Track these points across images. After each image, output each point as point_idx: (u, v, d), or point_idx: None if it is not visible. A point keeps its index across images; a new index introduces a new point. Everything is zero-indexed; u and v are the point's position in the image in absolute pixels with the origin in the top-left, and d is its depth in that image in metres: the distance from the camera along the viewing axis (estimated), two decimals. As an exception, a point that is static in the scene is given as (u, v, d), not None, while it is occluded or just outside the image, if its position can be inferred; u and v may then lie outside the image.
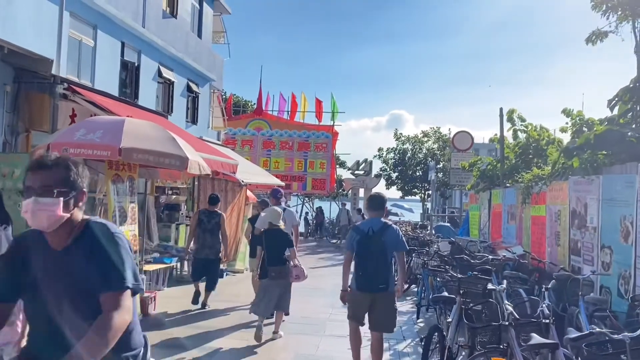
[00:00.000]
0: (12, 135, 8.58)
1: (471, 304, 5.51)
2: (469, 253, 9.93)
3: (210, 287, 8.98)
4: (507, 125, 13.29)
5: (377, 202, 5.73)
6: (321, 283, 11.93)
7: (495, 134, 14.00)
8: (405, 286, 11.47)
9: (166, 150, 6.92)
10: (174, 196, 15.24)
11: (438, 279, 8.25)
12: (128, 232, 7.42)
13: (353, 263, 5.65)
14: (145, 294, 8.21)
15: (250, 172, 14.96)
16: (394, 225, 5.65)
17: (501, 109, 13.65)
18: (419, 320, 8.80)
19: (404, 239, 5.67)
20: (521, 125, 13.14)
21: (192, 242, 9.23)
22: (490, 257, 8.50)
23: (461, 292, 5.49)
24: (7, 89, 8.61)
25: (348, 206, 27.29)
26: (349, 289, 5.65)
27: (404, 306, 10.06)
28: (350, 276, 5.71)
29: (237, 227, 12.36)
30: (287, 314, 7.54)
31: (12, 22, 8.94)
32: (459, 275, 5.90)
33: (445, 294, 5.10)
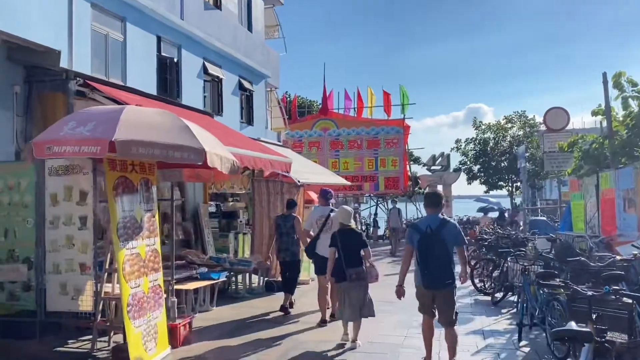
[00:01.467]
0: (25, 141, 7.48)
1: (609, 335, 3.54)
2: (580, 252, 7.74)
3: (288, 290, 8.87)
4: (613, 93, 10.79)
5: (433, 199, 5.89)
6: (392, 294, 10.03)
7: (599, 105, 11.47)
8: (499, 295, 9.42)
9: (176, 142, 5.44)
10: (230, 203, 14.02)
11: (545, 290, 6.21)
12: (143, 247, 6.01)
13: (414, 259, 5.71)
14: (180, 320, 6.80)
15: (311, 172, 13.40)
16: (452, 220, 5.91)
17: (604, 74, 11.16)
18: (521, 344, 6.75)
19: (462, 233, 5.79)
20: (632, 91, 10.57)
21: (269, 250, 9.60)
22: (617, 257, 6.29)
23: (594, 317, 3.54)
24: (16, 90, 7.55)
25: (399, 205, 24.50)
26: (417, 286, 5.75)
27: (499, 324, 8.00)
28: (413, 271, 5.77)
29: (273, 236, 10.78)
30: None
31: (11, 11, 7.88)
32: (589, 292, 3.89)
33: (573, 325, 3.16)
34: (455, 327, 5.69)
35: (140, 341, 5.71)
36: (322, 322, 7.82)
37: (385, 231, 24.57)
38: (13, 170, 6.86)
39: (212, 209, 13.36)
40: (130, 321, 5.56)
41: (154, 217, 6.36)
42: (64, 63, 7.80)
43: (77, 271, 6.51)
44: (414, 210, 28.21)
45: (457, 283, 5.73)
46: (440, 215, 5.77)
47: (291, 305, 8.94)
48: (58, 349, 6.54)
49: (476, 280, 10.75)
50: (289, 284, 8.91)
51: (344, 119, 26.28)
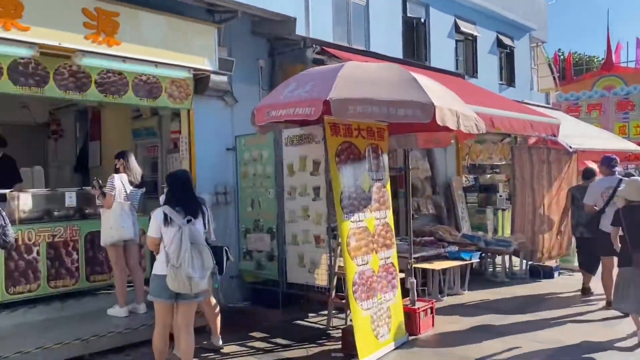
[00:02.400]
0: (270, 114, 7.61)
1: None
2: None
3: (589, 269, 7.72)
4: None
5: None
6: None
7: None
8: None
9: (399, 97, 4.57)
10: (488, 176, 12.60)
11: None
12: (372, 220, 5.36)
13: None
14: (420, 304, 6.02)
15: (587, 136, 11.05)
16: None
17: None
18: None
19: None
20: None
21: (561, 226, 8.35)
22: None
23: None
24: (260, 64, 7.71)
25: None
26: None
27: None
28: None
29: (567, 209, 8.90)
30: None
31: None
32: None
33: None
34: None
35: (370, 326, 5.10)
36: (608, 305, 6.70)
37: None
38: (257, 142, 6.97)
39: (470, 182, 12.18)
40: (356, 302, 4.99)
41: (384, 187, 5.64)
42: (301, 31, 7.64)
43: (312, 243, 6.28)
44: None
45: None
46: None
47: (588, 290, 7.77)
48: (297, 321, 6.43)
49: None
50: (590, 262, 7.63)
51: (636, 73, 21.68)
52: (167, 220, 4.23)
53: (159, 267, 4.28)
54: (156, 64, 6.11)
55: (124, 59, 5.81)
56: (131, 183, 5.72)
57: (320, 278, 6.21)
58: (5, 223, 4.61)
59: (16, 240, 5.51)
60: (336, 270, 5.99)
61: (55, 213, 6.03)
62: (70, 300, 5.95)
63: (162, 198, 4.54)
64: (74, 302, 5.95)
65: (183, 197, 4.36)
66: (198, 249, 4.23)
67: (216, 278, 4.36)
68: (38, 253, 5.74)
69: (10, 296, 5.53)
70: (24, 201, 5.82)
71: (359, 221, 5.21)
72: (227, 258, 4.94)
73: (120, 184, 5.62)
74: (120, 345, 5.25)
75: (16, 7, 4.94)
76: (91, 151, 8.53)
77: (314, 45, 7.39)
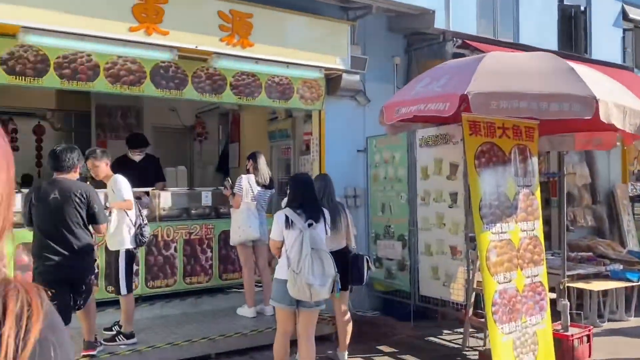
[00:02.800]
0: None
1: None
2: None
3: None
4: None
5: None
6: None
7: None
8: None
9: (552, 90, 3.90)
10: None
11: None
12: (516, 232, 4.69)
13: None
14: (574, 330, 5.20)
15: None
16: None
17: None
18: None
19: None
20: None
21: None
22: None
23: None
24: (396, 61, 7.32)
25: None
26: None
27: None
28: None
29: None
30: None
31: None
32: None
33: None
34: None
35: (512, 352, 4.46)
36: None
37: None
38: (389, 143, 6.60)
39: (637, 191, 10.57)
40: (496, 325, 4.38)
41: (533, 195, 4.93)
42: (440, 24, 7.11)
43: (447, 254, 5.74)
44: None
45: None
46: None
47: None
48: (430, 338, 5.94)
49: None
50: None
51: None
52: (288, 223, 4.06)
53: (281, 271, 4.12)
54: (288, 64, 6.04)
55: (257, 60, 5.81)
56: (258, 183, 5.70)
57: (456, 293, 5.65)
58: (144, 223, 4.81)
59: (155, 236, 5.78)
60: (474, 285, 5.40)
61: (193, 211, 6.24)
62: (204, 296, 6.11)
63: (284, 201, 4.39)
64: (207, 298, 6.10)
65: (304, 199, 4.16)
66: (319, 255, 4.00)
67: (337, 287, 4.08)
68: (175, 249, 5.97)
69: (149, 290, 5.80)
70: (165, 199, 6.10)
71: (502, 233, 4.59)
72: (369, 268, 4.72)
73: (248, 184, 5.62)
74: (245, 347, 5.21)
75: (158, 13, 5.15)
76: (231, 152, 8.82)
77: (454, 39, 6.83)
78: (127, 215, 4.71)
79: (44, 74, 4.94)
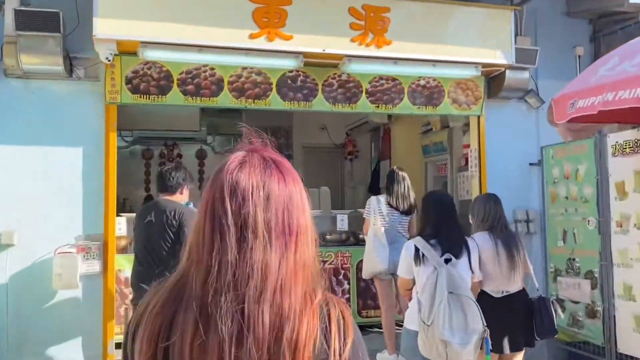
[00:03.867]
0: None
1: None
2: None
3: None
4: None
5: None
6: None
7: None
8: None
9: None
10: None
11: None
12: None
13: None
14: None
15: None
16: None
17: None
18: None
19: None
20: None
21: None
22: None
23: None
24: (577, 52, 5.90)
25: None
26: None
27: None
28: None
29: None
30: None
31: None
32: None
33: None
34: None
35: None
36: None
37: None
38: (570, 153, 5.20)
39: None
40: None
41: None
42: (639, -1, 5.53)
43: (657, 300, 4.19)
44: None
45: None
46: None
47: None
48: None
49: None
50: None
51: None
52: (419, 257, 3.12)
53: (410, 319, 3.18)
54: (434, 62, 5.07)
55: (396, 60, 4.97)
56: (391, 206, 4.74)
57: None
58: None
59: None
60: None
61: (327, 237, 5.56)
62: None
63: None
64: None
65: (441, 226, 3.18)
66: (460, 301, 2.99)
67: (487, 347, 2.99)
68: (308, 280, 5.33)
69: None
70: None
71: None
72: (556, 314, 3.59)
73: (377, 206, 4.72)
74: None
75: (280, 16, 4.62)
76: (382, 171, 8.04)
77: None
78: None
79: (168, 91, 4.72)
